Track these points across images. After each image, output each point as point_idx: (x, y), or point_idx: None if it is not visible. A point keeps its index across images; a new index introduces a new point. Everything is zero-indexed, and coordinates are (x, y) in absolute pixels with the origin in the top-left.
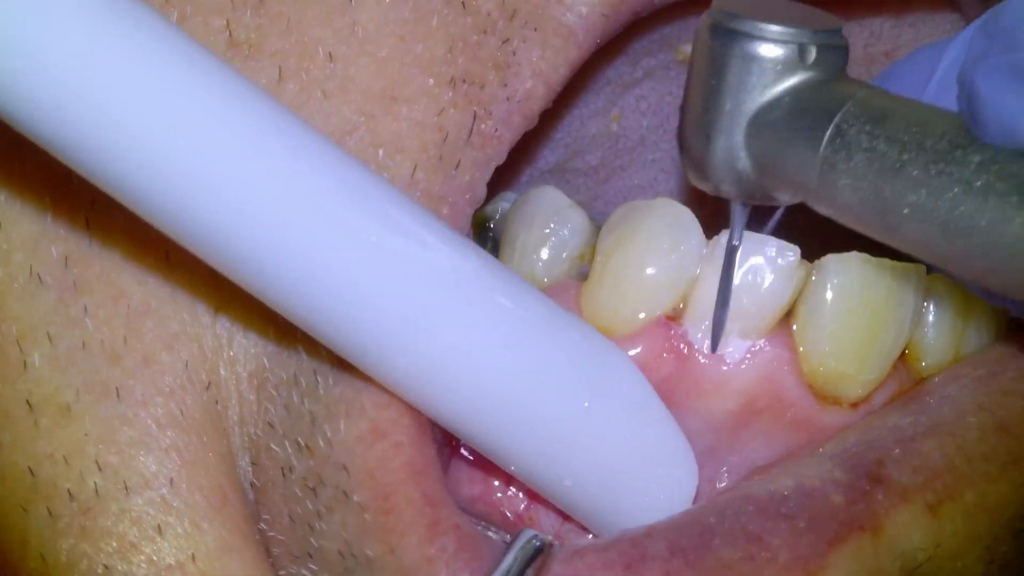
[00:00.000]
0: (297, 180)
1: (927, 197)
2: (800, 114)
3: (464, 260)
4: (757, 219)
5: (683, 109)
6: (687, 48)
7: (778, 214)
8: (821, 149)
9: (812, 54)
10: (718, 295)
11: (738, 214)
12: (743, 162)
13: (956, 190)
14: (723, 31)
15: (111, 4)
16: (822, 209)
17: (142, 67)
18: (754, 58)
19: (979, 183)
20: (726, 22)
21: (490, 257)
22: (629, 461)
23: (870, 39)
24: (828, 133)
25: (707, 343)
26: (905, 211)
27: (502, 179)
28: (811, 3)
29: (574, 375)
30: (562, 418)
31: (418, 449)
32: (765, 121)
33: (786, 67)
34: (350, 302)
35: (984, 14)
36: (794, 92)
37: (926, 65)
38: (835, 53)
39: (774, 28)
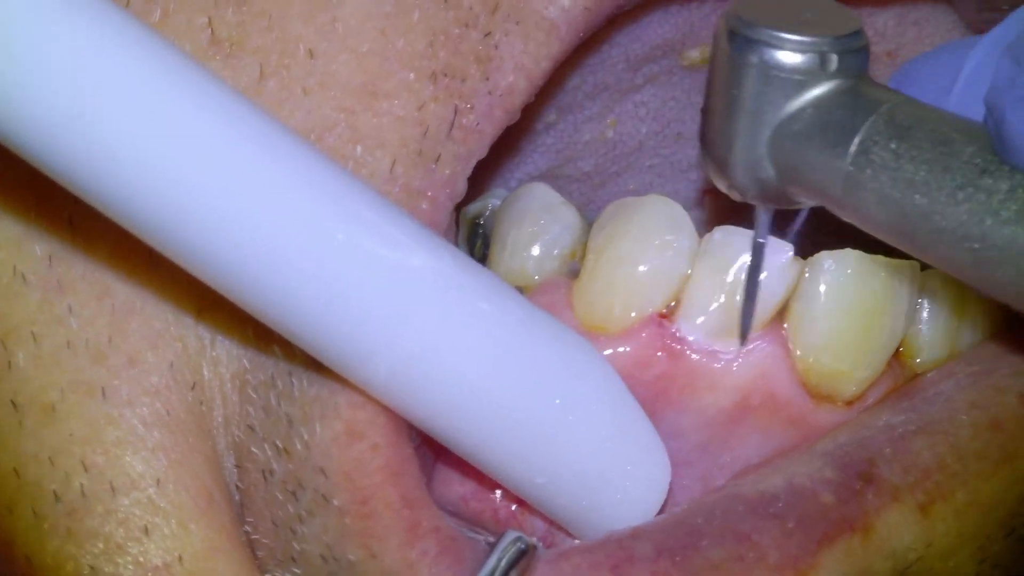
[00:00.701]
0: (271, 183)
1: (954, 221)
2: (824, 127)
3: (438, 261)
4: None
5: (704, 113)
6: (692, 53)
7: (802, 216)
8: (846, 165)
9: (834, 62)
10: (744, 292)
11: (763, 217)
12: (766, 171)
13: (984, 218)
14: (741, 39)
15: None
16: (845, 218)
17: (111, 69)
18: (774, 68)
19: (1006, 212)
20: (743, 30)
21: (465, 257)
22: (601, 459)
23: (874, 37)
24: (853, 149)
25: (699, 338)
26: (931, 233)
27: (490, 184)
28: None
29: (546, 374)
30: (533, 416)
31: (395, 450)
32: (788, 132)
33: (807, 76)
34: (322, 304)
35: (1010, 32)
36: (816, 103)
37: (946, 69)
38: (857, 57)
39: (792, 37)
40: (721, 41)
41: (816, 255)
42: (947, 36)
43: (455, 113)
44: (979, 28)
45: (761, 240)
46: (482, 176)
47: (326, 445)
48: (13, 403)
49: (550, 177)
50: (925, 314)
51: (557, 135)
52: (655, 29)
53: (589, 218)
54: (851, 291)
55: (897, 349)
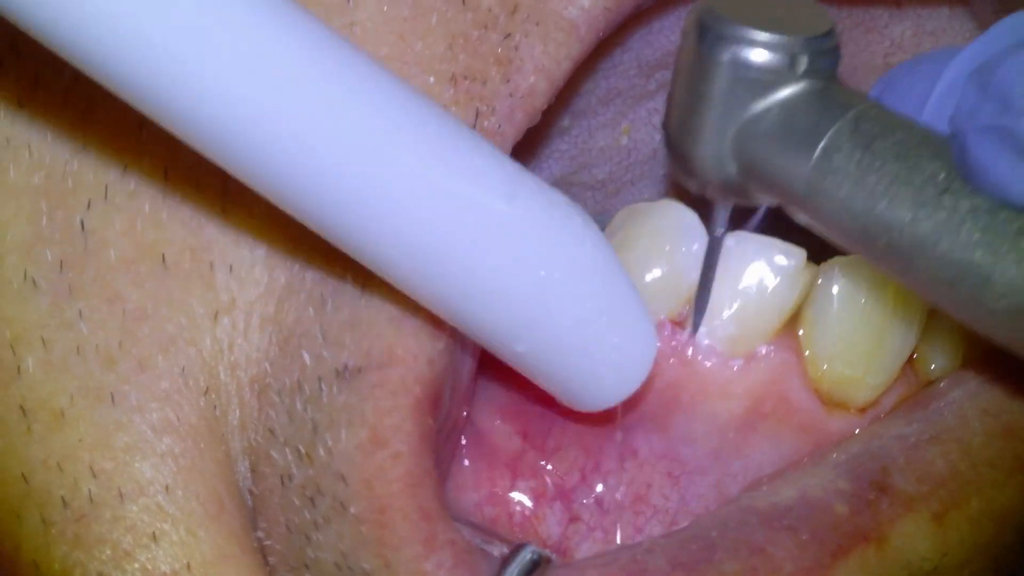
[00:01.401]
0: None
1: (911, 238)
2: (789, 129)
3: (419, 125)
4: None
5: (669, 105)
6: None
7: (761, 212)
8: (808, 170)
9: (803, 64)
10: (699, 284)
11: (721, 209)
12: (729, 168)
13: (943, 237)
14: (711, 34)
15: None
16: (808, 223)
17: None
18: (742, 66)
19: (965, 233)
20: (714, 25)
21: (448, 116)
22: (583, 332)
23: (891, 48)
24: (816, 155)
25: (711, 344)
26: (889, 246)
27: None
28: (833, 5)
29: (533, 245)
30: (513, 286)
31: (417, 460)
32: (753, 132)
33: (776, 76)
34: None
35: (981, 53)
36: (783, 104)
37: (924, 81)
38: (827, 58)
39: (763, 36)
40: (690, 35)
41: (829, 261)
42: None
43: (476, 116)
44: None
45: (717, 234)
46: None
47: (350, 452)
48: (22, 408)
49: (564, 184)
50: (939, 320)
51: (571, 141)
52: (667, 35)
53: (601, 224)
54: (864, 297)
55: (911, 355)
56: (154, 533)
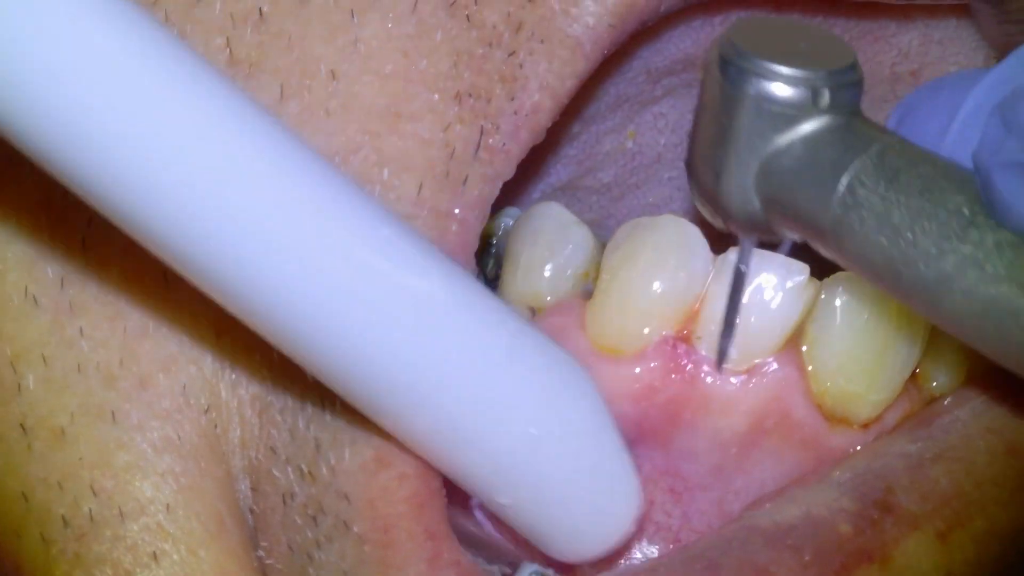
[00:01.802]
0: (273, 186)
1: (937, 272)
2: (812, 164)
3: (426, 277)
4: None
5: (692, 139)
6: None
7: (786, 246)
8: (833, 205)
9: (826, 97)
10: (725, 319)
11: (747, 246)
12: (753, 204)
13: (968, 271)
14: (733, 68)
15: (110, 11)
16: (832, 257)
17: (137, 79)
18: (765, 101)
19: (991, 267)
20: (736, 59)
21: (461, 272)
22: (569, 488)
23: (898, 58)
24: (840, 190)
25: (714, 360)
26: (915, 280)
27: (511, 196)
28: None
29: (529, 402)
30: (506, 443)
31: (423, 481)
32: (776, 167)
33: (798, 111)
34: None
35: (1004, 80)
36: (806, 139)
37: (945, 107)
38: (850, 92)
39: (785, 71)
40: (712, 69)
41: (832, 276)
42: (971, 55)
43: (481, 134)
44: (1000, 43)
45: (743, 268)
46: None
47: (353, 471)
48: (22, 426)
49: (570, 189)
50: (942, 336)
51: (579, 146)
52: (676, 43)
53: (604, 236)
54: (867, 312)
55: (914, 371)
56: (155, 552)
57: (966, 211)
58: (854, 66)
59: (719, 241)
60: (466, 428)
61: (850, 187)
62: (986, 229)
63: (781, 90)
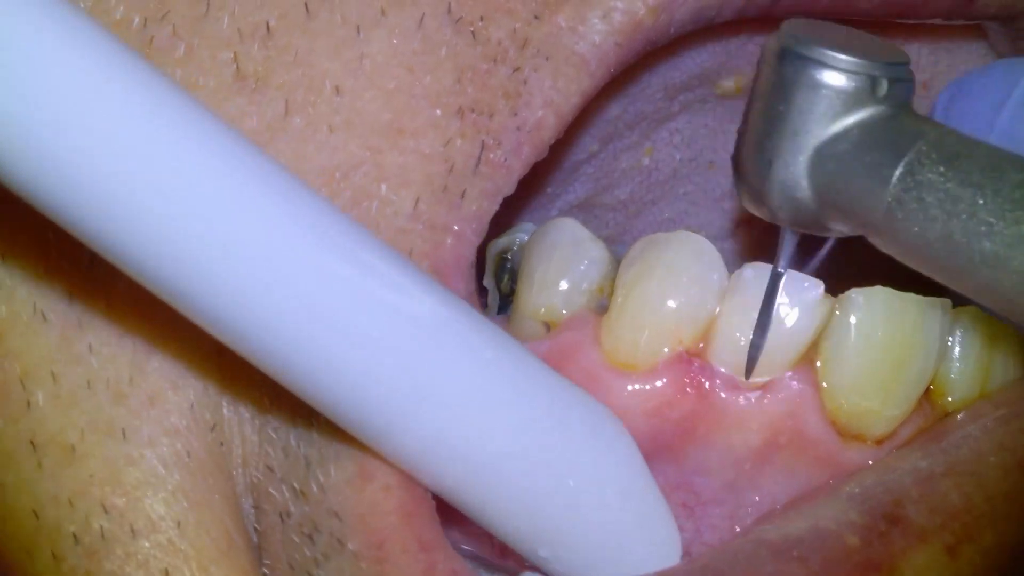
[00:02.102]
0: (266, 222)
1: (1001, 245)
2: (869, 148)
3: (466, 337)
4: (803, 251)
5: (742, 132)
6: (726, 83)
7: (827, 248)
8: (890, 186)
9: (883, 87)
10: (757, 322)
11: (788, 243)
12: (803, 191)
13: None
14: (793, 56)
15: (101, 58)
16: (883, 246)
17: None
18: (824, 87)
19: None
20: (796, 47)
21: (492, 327)
22: (609, 539)
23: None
24: (899, 171)
25: (728, 376)
26: (976, 257)
27: (529, 214)
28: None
29: (565, 454)
30: (545, 496)
31: (408, 491)
32: (831, 152)
33: (856, 99)
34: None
35: None
36: (863, 125)
37: (999, 84)
38: (904, 87)
39: (846, 58)
40: (770, 58)
41: (847, 292)
42: (979, 64)
43: (482, 149)
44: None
45: (781, 270)
46: (518, 207)
47: (340, 487)
48: (32, 443)
49: (587, 206)
50: (956, 351)
51: (598, 163)
52: (693, 59)
53: (619, 252)
54: (882, 328)
55: (928, 387)
56: (167, 569)
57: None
58: (908, 64)
59: (733, 257)
60: (503, 482)
61: (909, 167)
62: None
63: (840, 78)
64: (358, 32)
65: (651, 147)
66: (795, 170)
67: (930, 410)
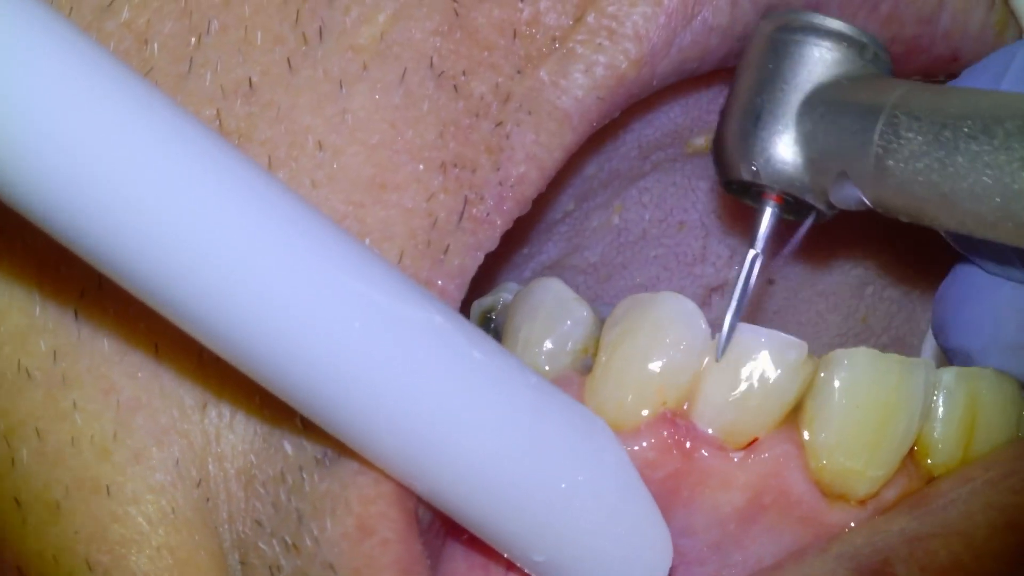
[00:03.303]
0: (258, 228)
1: (991, 174)
2: (858, 92)
3: (453, 342)
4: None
5: (727, 105)
6: (697, 141)
7: (805, 227)
8: (879, 127)
9: (870, 52)
10: (733, 304)
11: (766, 218)
12: (790, 147)
13: (1016, 166)
14: (785, 24)
15: (109, 84)
16: (869, 193)
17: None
18: (814, 45)
19: None
20: (787, 14)
21: (482, 335)
22: (603, 544)
23: None
24: (886, 112)
25: (712, 436)
26: (966, 188)
27: (502, 273)
28: None
29: (557, 457)
30: (538, 499)
31: (406, 546)
32: (820, 100)
33: (845, 57)
34: (338, 377)
35: None
36: (851, 76)
37: (996, 67)
38: (887, 58)
39: (835, 23)
40: (763, 31)
41: (830, 353)
42: None
43: (465, 203)
44: None
45: (758, 249)
46: (493, 266)
47: (336, 540)
48: (16, 500)
49: (559, 268)
50: (940, 412)
51: (571, 223)
52: (667, 114)
53: (604, 312)
54: (865, 389)
55: (912, 448)
56: None
57: (1017, 118)
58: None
59: (710, 321)
60: (496, 486)
61: (897, 107)
62: None
63: (829, 38)
64: (340, 87)
65: (620, 204)
66: (783, 124)
67: (914, 470)
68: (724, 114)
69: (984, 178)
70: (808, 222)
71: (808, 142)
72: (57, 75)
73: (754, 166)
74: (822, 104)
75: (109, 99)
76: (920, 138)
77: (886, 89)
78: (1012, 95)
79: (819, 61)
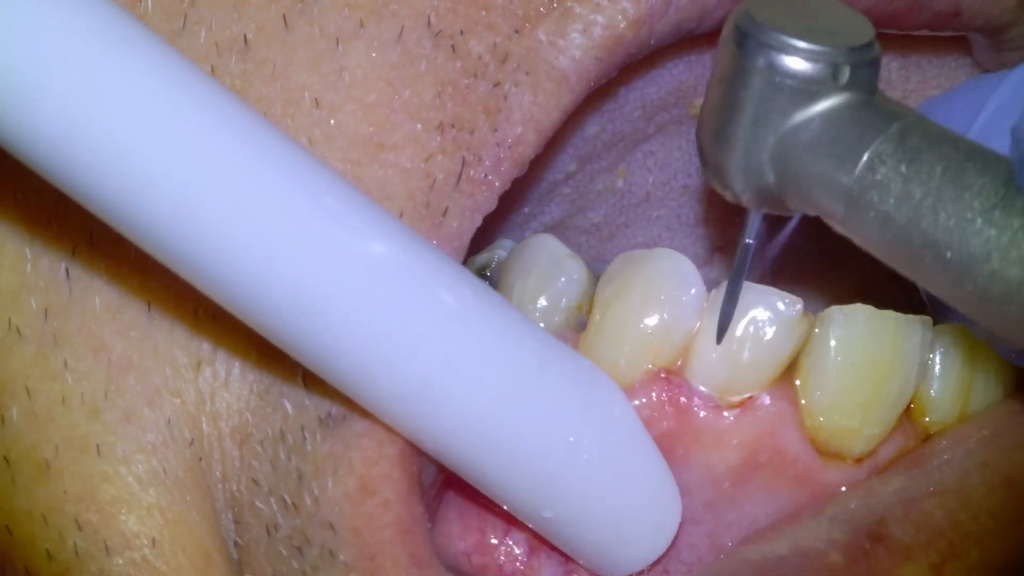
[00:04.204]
0: (296, 207)
1: (960, 254)
2: (831, 142)
3: (458, 295)
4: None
5: (704, 111)
6: (700, 101)
7: (793, 223)
8: (851, 183)
9: (845, 74)
10: (726, 291)
11: (754, 217)
12: (766, 177)
13: (992, 254)
14: (750, 40)
15: (105, 26)
16: (847, 235)
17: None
18: (782, 75)
19: (1016, 252)
20: (753, 31)
21: (486, 288)
22: (610, 499)
23: (880, 85)
24: (860, 168)
25: (707, 394)
26: (935, 262)
27: (502, 234)
28: None
29: (563, 411)
30: (545, 454)
31: (407, 507)
32: (793, 142)
33: (817, 86)
34: (342, 332)
35: None
36: (825, 115)
37: (963, 112)
38: (868, 71)
39: (804, 45)
40: (728, 41)
41: (826, 310)
42: (951, 76)
43: (463, 165)
44: (996, 70)
45: (749, 241)
46: (494, 227)
47: (338, 500)
48: (6, 459)
49: (561, 228)
50: (936, 370)
51: (574, 184)
52: (671, 71)
53: (597, 271)
54: (861, 347)
55: (908, 406)
56: None
57: (990, 193)
58: (873, 43)
59: (710, 285)
60: (504, 440)
61: (870, 165)
62: (1012, 212)
63: (800, 65)
64: (337, 45)
65: (625, 168)
66: (757, 158)
67: (910, 429)
68: (701, 122)
69: (952, 257)
70: (795, 221)
71: (783, 182)
72: (55, 18)
73: (732, 192)
74: (794, 149)
75: (114, 38)
76: (892, 204)
77: (859, 140)
78: (987, 156)
79: (788, 98)
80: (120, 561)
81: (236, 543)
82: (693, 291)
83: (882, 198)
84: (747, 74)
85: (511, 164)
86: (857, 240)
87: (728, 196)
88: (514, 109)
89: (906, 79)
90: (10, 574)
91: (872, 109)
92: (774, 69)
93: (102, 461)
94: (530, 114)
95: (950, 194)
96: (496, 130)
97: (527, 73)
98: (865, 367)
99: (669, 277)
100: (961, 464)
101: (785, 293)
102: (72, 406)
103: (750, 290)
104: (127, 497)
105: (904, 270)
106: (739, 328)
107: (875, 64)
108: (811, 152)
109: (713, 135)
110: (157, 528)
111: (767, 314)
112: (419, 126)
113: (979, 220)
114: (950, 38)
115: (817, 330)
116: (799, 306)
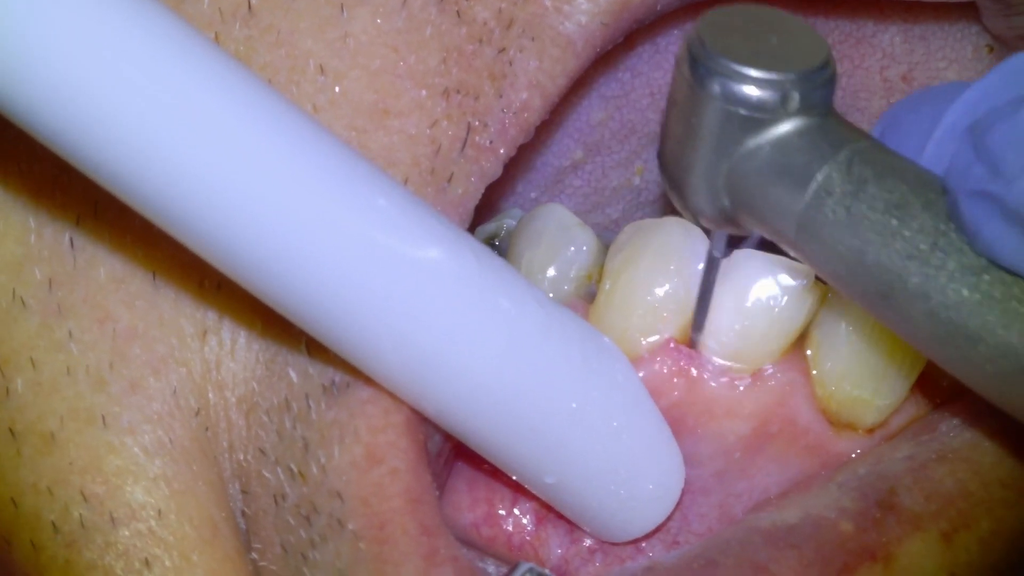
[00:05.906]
0: (286, 168)
1: (901, 291)
2: (781, 169)
3: (461, 260)
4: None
5: (663, 134)
6: None
7: (755, 238)
8: (800, 213)
9: (795, 101)
10: (697, 301)
11: (719, 234)
12: (722, 202)
13: (931, 293)
14: (702, 67)
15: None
16: (800, 259)
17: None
18: (733, 102)
19: (953, 291)
20: (703, 58)
21: (488, 253)
22: (614, 464)
23: (884, 60)
24: (807, 198)
25: (718, 364)
26: (877, 294)
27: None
28: (819, 16)
29: (566, 377)
30: (545, 419)
31: (415, 476)
32: (745, 169)
33: (768, 113)
34: (343, 297)
35: (976, 108)
36: (775, 143)
37: (925, 123)
38: (821, 92)
39: (754, 73)
40: (682, 66)
41: None
42: (956, 47)
43: (468, 131)
44: (1006, 36)
45: (717, 255)
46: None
47: (344, 469)
48: (11, 431)
49: None
50: None
51: (586, 178)
52: (675, 52)
53: (606, 240)
54: (872, 318)
55: (920, 375)
56: (147, 559)
57: (932, 231)
58: (826, 64)
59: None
60: (504, 403)
61: (817, 195)
62: (951, 252)
63: (749, 92)
64: (342, 11)
65: (642, 166)
66: (714, 181)
67: (922, 399)
68: (662, 143)
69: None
70: (755, 236)
71: (737, 205)
72: None
73: (692, 213)
74: (745, 176)
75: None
76: (837, 235)
77: (807, 170)
78: (932, 188)
79: (739, 126)
80: (126, 532)
81: (244, 513)
82: (703, 260)
83: (829, 230)
84: (700, 101)
85: (517, 130)
86: (808, 265)
87: (687, 216)
88: (519, 75)
89: (910, 52)
90: (16, 548)
91: (822, 134)
92: (724, 96)
93: (108, 432)
94: (536, 79)
95: (893, 231)
96: (501, 96)
97: (532, 38)
98: (876, 337)
99: (679, 246)
100: (971, 432)
101: (796, 263)
102: (77, 377)
103: (762, 260)
104: (133, 468)
105: (853, 299)
106: (750, 297)
107: (828, 85)
108: (762, 177)
109: (671, 158)
110: (163, 499)
111: (778, 285)
112: (424, 92)
113: (919, 259)
114: (957, 4)
115: (828, 300)
116: (810, 276)
